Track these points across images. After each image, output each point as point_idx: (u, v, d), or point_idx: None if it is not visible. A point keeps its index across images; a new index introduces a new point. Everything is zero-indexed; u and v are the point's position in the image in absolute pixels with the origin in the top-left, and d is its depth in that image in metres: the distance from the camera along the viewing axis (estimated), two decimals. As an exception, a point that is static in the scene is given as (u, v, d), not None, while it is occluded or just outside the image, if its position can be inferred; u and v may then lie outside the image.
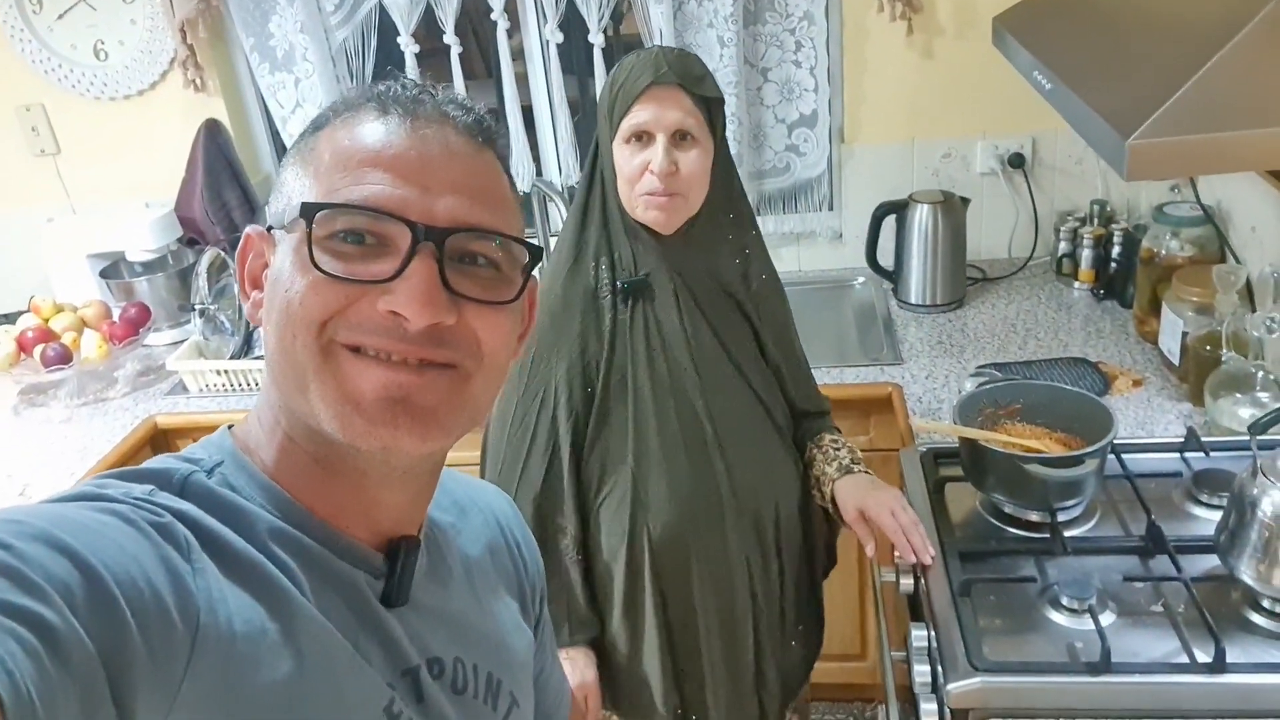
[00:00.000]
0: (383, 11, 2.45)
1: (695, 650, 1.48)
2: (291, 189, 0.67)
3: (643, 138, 1.32)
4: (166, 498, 0.61)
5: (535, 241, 0.78)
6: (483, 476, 1.51)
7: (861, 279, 2.51)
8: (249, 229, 0.71)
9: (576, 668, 1.45)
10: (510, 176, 0.73)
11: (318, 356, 0.63)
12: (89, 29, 2.52)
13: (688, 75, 1.32)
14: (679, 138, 1.32)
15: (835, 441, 1.55)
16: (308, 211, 0.63)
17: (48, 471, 2.06)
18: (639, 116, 1.31)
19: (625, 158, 1.33)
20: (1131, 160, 0.94)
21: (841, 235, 2.55)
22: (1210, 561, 1.34)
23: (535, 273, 0.72)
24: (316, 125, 0.69)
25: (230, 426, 0.72)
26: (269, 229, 0.68)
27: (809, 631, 1.60)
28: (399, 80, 0.69)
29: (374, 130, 0.65)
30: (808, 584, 1.59)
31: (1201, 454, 1.59)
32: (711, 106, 1.34)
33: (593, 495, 1.43)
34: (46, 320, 2.37)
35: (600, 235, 1.40)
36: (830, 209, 2.53)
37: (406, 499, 0.72)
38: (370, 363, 0.63)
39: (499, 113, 2.58)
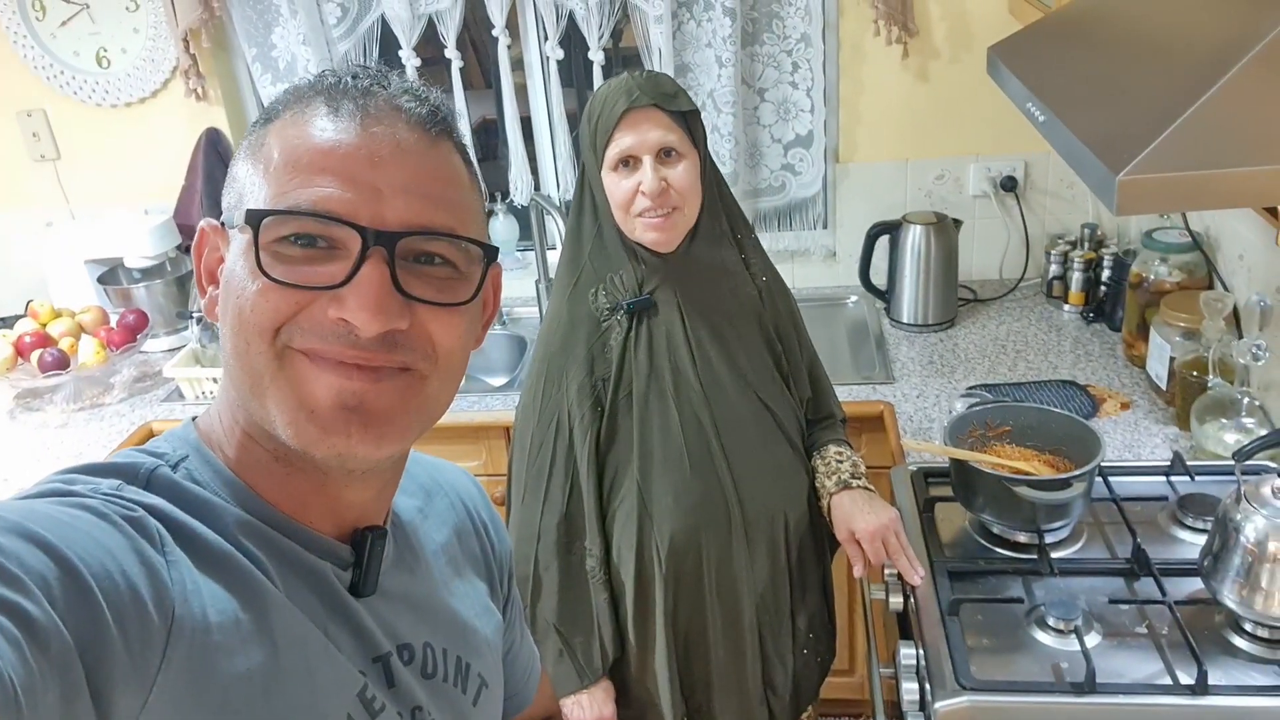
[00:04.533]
0: (385, 25, 2.47)
1: (703, 658, 1.50)
2: (243, 186, 0.65)
3: (629, 162, 1.36)
4: (134, 492, 0.61)
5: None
6: (508, 504, 1.53)
7: (854, 297, 2.54)
8: (203, 222, 0.69)
9: (595, 702, 1.47)
10: (471, 164, 0.70)
11: (273, 363, 0.62)
12: (92, 36, 2.53)
13: (661, 94, 1.35)
14: (664, 155, 1.35)
15: (840, 454, 1.56)
16: (254, 218, 0.61)
17: (43, 476, 2.05)
18: (622, 143, 1.34)
19: (615, 184, 1.37)
20: (1121, 195, 0.95)
21: (835, 254, 2.58)
22: (1194, 584, 1.37)
23: (499, 260, 0.69)
24: (267, 117, 0.67)
25: (194, 419, 0.71)
26: (222, 223, 0.67)
27: (820, 639, 1.62)
28: (350, 70, 0.66)
29: (323, 129, 0.63)
30: (819, 592, 1.61)
31: (1187, 478, 1.62)
32: (689, 119, 1.38)
33: (607, 509, 1.45)
34: (44, 325, 2.38)
35: (595, 262, 1.43)
36: (825, 227, 2.56)
37: (370, 495, 0.72)
38: (325, 367, 0.62)
39: (498, 122, 2.60)
